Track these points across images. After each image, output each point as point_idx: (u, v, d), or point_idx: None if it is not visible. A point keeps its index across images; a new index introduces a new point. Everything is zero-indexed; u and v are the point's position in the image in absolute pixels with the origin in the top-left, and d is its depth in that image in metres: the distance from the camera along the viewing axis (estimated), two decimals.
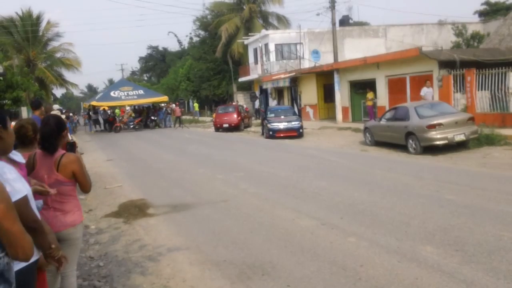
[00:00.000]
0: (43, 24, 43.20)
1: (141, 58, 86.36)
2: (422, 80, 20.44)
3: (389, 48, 34.94)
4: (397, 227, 6.63)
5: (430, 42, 34.34)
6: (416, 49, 20.53)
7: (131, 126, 35.76)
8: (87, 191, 4.34)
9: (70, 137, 11.28)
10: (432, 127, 13.41)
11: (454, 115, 14.15)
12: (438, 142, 13.41)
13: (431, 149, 13.66)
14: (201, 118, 45.61)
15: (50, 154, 4.05)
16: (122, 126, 35.58)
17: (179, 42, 71.48)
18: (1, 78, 16.82)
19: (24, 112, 22.05)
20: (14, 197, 2.63)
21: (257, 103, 38.09)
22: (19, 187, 2.69)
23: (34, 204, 2.96)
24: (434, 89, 19.54)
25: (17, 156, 3.55)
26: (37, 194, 3.46)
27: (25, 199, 2.71)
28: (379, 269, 5.16)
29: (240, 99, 43.00)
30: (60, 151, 4.12)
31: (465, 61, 18.67)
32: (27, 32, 41.11)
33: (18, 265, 2.76)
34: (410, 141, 14.06)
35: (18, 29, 41.27)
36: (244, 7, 46.32)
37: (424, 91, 18.87)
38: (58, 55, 45.02)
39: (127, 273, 5.69)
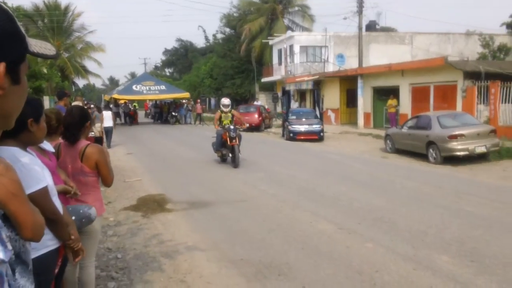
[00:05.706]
0: (69, 14, 43.28)
1: (166, 50, 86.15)
2: (447, 90, 20.28)
3: (414, 56, 34.60)
4: (415, 235, 6.64)
5: (456, 52, 33.92)
6: (442, 58, 20.40)
7: None
8: (109, 184, 4.30)
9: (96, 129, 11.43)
10: (453, 137, 13.33)
11: (476, 127, 14.06)
12: (458, 153, 13.33)
13: (451, 160, 13.57)
14: None
15: (72, 144, 4.09)
16: None
17: (206, 38, 71.20)
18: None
19: (46, 102, 22.22)
20: (34, 188, 2.61)
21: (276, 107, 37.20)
22: (39, 178, 2.67)
23: (55, 196, 2.98)
24: (458, 99, 19.34)
25: (47, 145, 3.60)
26: (61, 194, 3.46)
27: (44, 190, 2.69)
28: (394, 275, 5.19)
29: (262, 99, 42.96)
30: (84, 142, 4.15)
31: (491, 73, 18.50)
32: (52, 22, 41.27)
33: (37, 252, 2.80)
34: (431, 150, 13.99)
35: (44, 18, 41.51)
36: (269, 6, 46.33)
37: None
38: (82, 45, 45.23)
39: (144, 266, 5.80)
